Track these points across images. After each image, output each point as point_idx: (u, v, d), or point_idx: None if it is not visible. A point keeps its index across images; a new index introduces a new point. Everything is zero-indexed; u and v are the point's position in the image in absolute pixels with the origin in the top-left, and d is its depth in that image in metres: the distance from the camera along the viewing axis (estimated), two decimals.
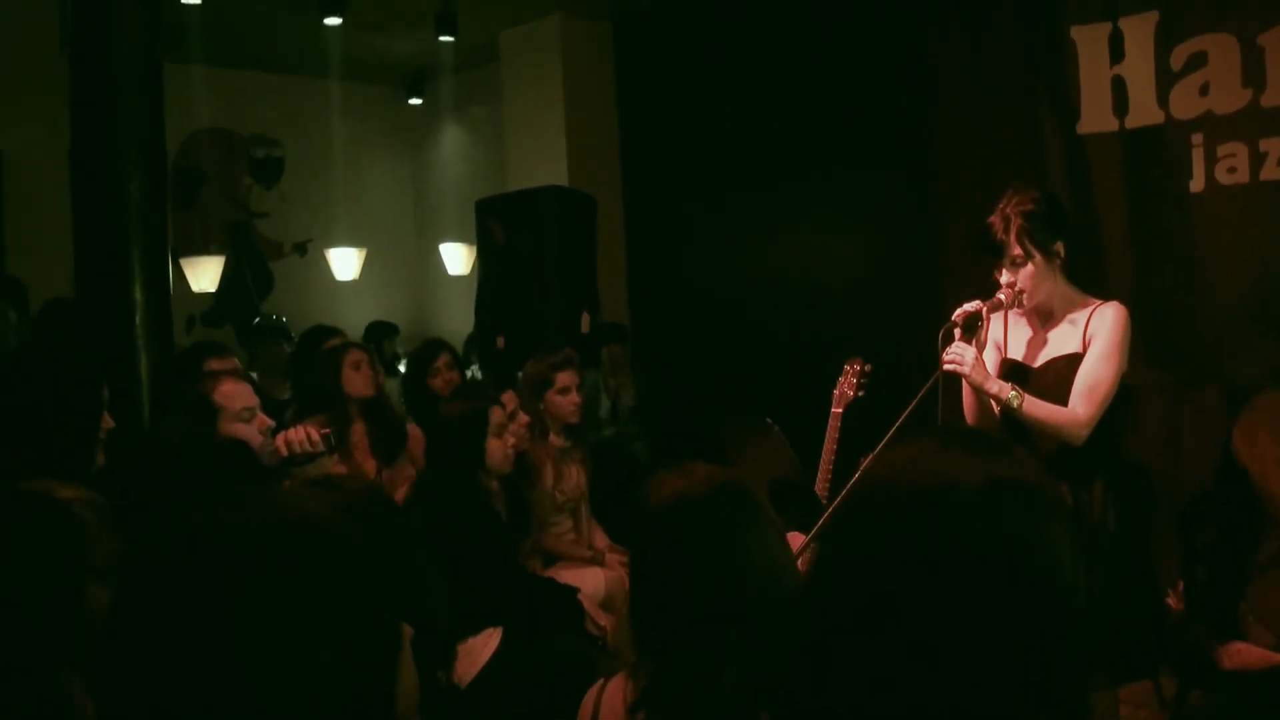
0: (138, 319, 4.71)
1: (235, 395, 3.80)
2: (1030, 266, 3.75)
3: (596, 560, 5.45)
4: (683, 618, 2.12)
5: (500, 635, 4.43)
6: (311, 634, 1.21)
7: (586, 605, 4.92)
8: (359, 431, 5.48)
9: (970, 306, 3.78)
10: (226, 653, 1.17)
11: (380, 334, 9.27)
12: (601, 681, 2.31)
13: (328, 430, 3.90)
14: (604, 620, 4.93)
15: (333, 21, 8.15)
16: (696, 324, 8.32)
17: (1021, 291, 3.78)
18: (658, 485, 2.25)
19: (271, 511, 1.34)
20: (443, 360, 6.21)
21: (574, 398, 5.54)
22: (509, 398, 5.10)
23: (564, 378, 5.54)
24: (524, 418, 5.17)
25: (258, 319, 9.00)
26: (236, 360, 5.32)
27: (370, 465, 5.38)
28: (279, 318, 8.70)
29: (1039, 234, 3.74)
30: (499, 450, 4.64)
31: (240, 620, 1.18)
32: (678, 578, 2.13)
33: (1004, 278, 3.81)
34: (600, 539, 5.63)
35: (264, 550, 1.24)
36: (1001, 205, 3.79)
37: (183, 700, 1.16)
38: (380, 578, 1.32)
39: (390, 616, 1.34)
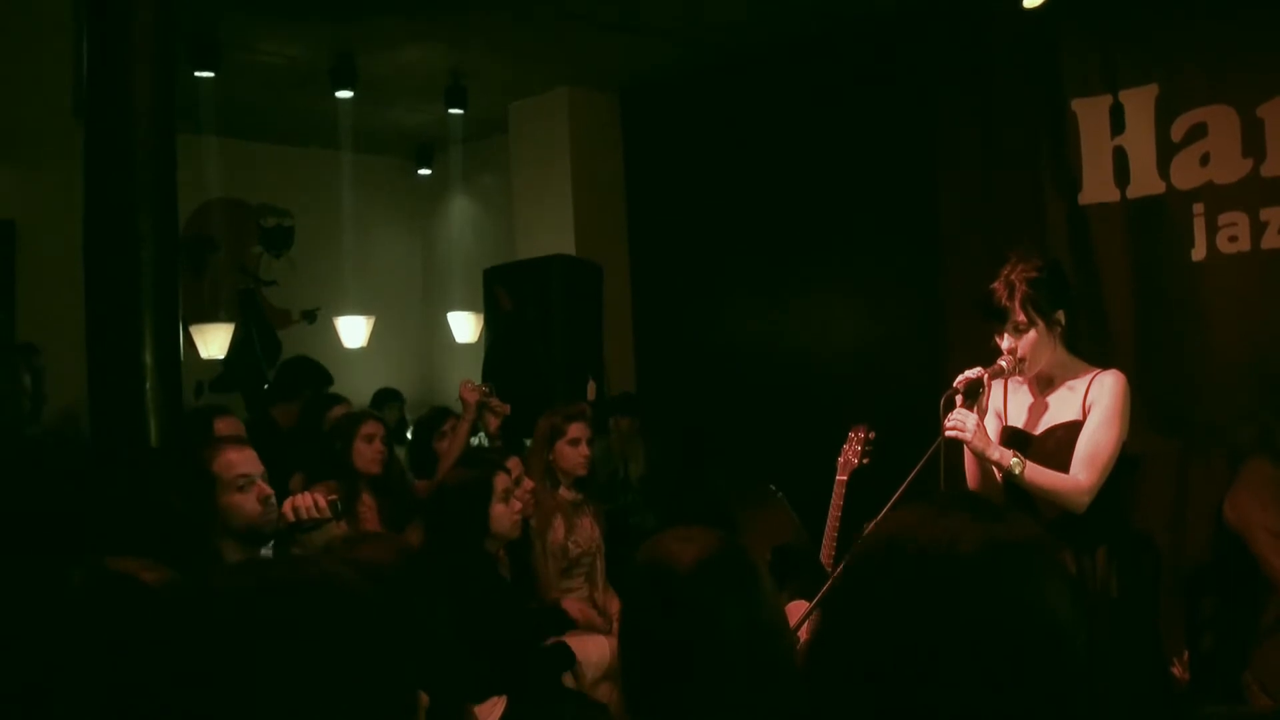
0: (148, 384, 4.73)
1: (232, 464, 3.79)
2: (1032, 333, 3.78)
3: (604, 628, 5.42)
4: (674, 679, 2.11)
5: (505, 704, 4.41)
6: (329, 699, 1.21)
7: (590, 673, 4.92)
8: (367, 501, 5.48)
9: (972, 373, 3.81)
10: (243, 714, 1.18)
11: (385, 401, 9.30)
12: None
13: (335, 497, 3.92)
14: (604, 692, 4.92)
15: (344, 95, 8.26)
16: (703, 392, 8.33)
17: (1023, 359, 3.81)
18: (652, 549, 2.25)
19: (292, 573, 1.35)
20: (449, 425, 6.23)
21: (584, 449, 5.54)
22: (514, 463, 5.11)
23: (575, 429, 5.54)
24: (529, 483, 5.17)
25: (266, 384, 9.04)
26: (240, 422, 5.35)
27: None
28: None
29: (1042, 301, 3.78)
30: (506, 516, 4.60)
31: (257, 682, 1.18)
32: (671, 639, 2.13)
33: (1005, 343, 3.84)
34: (616, 605, 5.59)
35: (283, 611, 1.24)
36: (1005, 271, 3.83)
37: None
38: (399, 643, 1.32)
39: (407, 683, 1.33)
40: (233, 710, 1.17)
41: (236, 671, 1.19)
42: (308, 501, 3.81)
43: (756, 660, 2.12)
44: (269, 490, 3.85)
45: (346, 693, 1.23)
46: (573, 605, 5.47)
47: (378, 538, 3.85)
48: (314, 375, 7.56)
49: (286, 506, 3.80)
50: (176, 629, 1.25)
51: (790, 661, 2.21)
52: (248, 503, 3.75)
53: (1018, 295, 3.77)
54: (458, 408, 6.19)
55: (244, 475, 3.78)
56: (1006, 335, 3.83)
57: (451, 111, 8.85)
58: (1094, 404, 3.78)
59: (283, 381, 7.63)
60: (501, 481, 4.63)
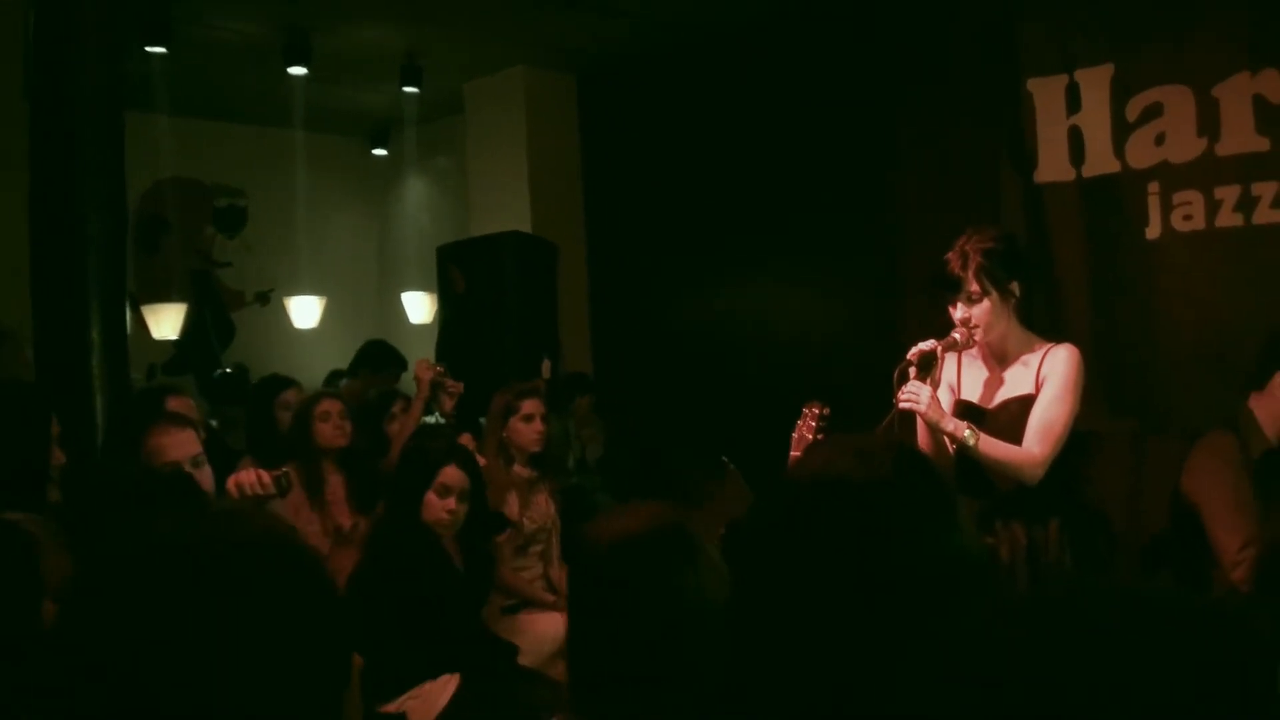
0: (94, 360, 4.69)
1: (161, 449, 3.76)
2: (986, 303, 3.77)
3: (558, 605, 5.39)
4: (619, 659, 2.04)
5: (457, 681, 4.39)
6: (265, 652, 1.18)
7: (546, 649, 4.90)
8: (335, 483, 5.38)
9: (925, 345, 3.80)
10: (177, 667, 1.15)
11: (337, 381, 9.23)
12: None
13: (279, 473, 3.85)
14: (560, 670, 4.89)
15: (297, 72, 8.18)
16: (658, 369, 8.34)
17: (976, 328, 3.79)
18: (596, 527, 2.20)
19: (232, 527, 1.32)
20: (398, 406, 6.17)
21: (537, 426, 5.50)
22: (466, 439, 5.06)
23: (529, 405, 5.50)
24: (480, 460, 5.12)
25: (227, 369, 8.99)
26: (192, 402, 5.27)
27: (347, 518, 5.28)
28: (231, 369, 8.71)
29: (997, 271, 3.76)
30: (435, 508, 4.47)
31: (193, 634, 1.16)
32: (613, 617, 2.06)
33: (958, 314, 3.82)
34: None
35: (223, 563, 1.21)
36: (960, 242, 3.81)
37: (133, 714, 1.14)
38: (336, 603, 1.30)
39: (344, 643, 1.31)
40: (170, 662, 1.15)
41: (173, 625, 1.16)
42: (251, 478, 3.75)
43: (701, 634, 2.06)
44: (209, 479, 3.80)
45: (286, 646, 1.20)
46: (520, 581, 5.44)
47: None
48: (382, 358, 7.73)
49: (230, 484, 3.75)
50: (111, 583, 1.21)
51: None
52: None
53: (972, 265, 3.76)
54: (408, 388, 6.14)
55: (170, 462, 3.74)
56: (960, 305, 3.82)
57: (406, 90, 8.80)
58: (1047, 378, 3.77)
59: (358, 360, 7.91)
60: (446, 474, 4.52)
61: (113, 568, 1.24)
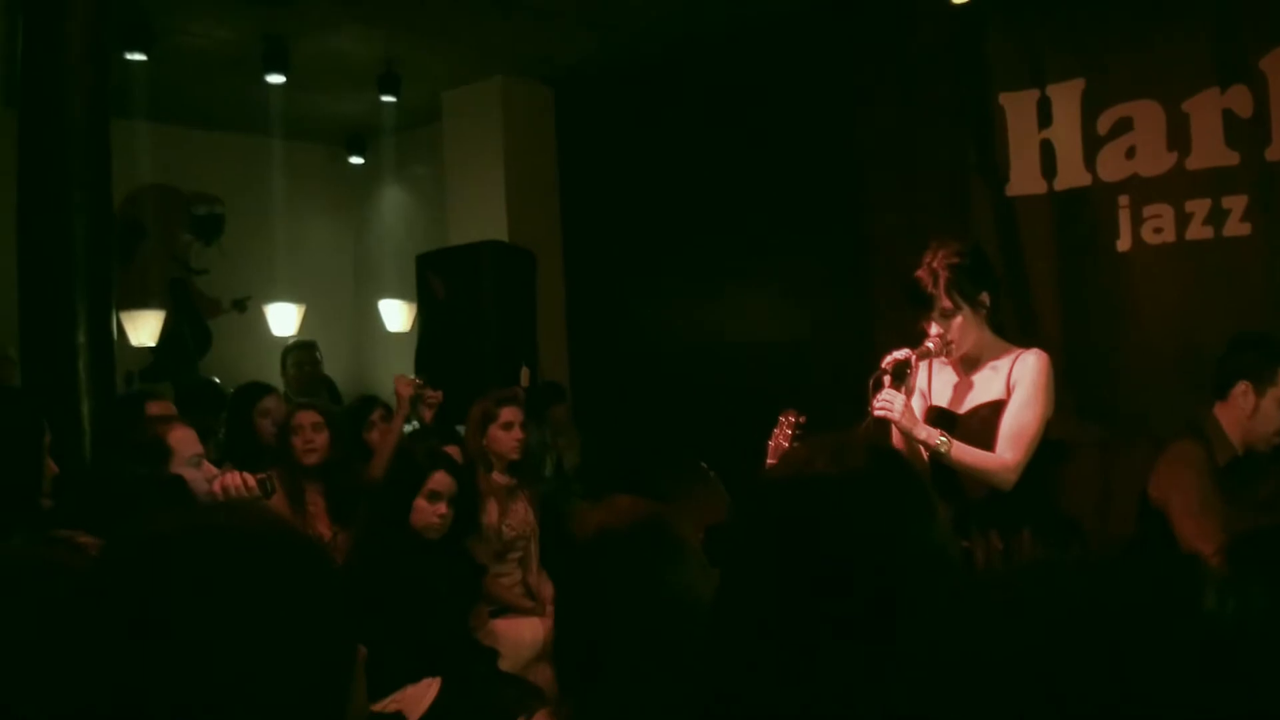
0: (80, 364, 4.72)
1: (186, 441, 3.90)
2: (959, 317, 3.83)
3: (537, 611, 5.43)
4: (603, 652, 2.05)
5: (439, 685, 4.43)
6: (273, 637, 1.21)
7: (524, 655, 4.94)
8: (314, 495, 5.33)
9: (899, 354, 3.84)
10: (187, 655, 1.17)
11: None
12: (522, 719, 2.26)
13: (264, 476, 3.99)
14: (538, 674, 4.93)
15: (275, 79, 8.18)
16: (636, 378, 8.39)
17: (950, 341, 3.86)
18: (582, 519, 2.22)
19: (234, 517, 1.35)
20: (377, 415, 6.18)
21: (516, 434, 5.54)
22: (453, 452, 5.10)
23: (508, 413, 5.54)
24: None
25: (199, 379, 8.98)
26: (172, 406, 5.28)
27: (327, 530, 5.27)
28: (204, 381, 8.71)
29: (966, 286, 3.82)
30: (426, 513, 4.56)
31: (202, 621, 1.18)
32: (597, 611, 2.08)
33: (933, 329, 3.89)
34: (549, 589, 5.57)
35: (229, 550, 1.24)
36: (928, 259, 3.87)
37: (145, 704, 1.16)
38: (340, 595, 1.33)
39: (349, 635, 1.33)
40: (180, 650, 1.17)
41: (183, 613, 1.18)
42: (236, 481, 3.90)
43: (686, 629, 2.09)
44: (215, 470, 3.94)
45: (294, 636, 1.23)
46: (500, 588, 5.47)
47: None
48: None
49: (216, 486, 3.87)
50: (123, 577, 1.24)
51: None
52: (199, 481, 3.84)
53: (942, 281, 3.81)
54: (387, 396, 6.15)
55: (196, 454, 3.90)
56: (934, 321, 3.88)
57: (384, 99, 8.80)
58: (1017, 383, 3.83)
59: None
60: (435, 480, 4.60)
61: (120, 562, 1.27)
